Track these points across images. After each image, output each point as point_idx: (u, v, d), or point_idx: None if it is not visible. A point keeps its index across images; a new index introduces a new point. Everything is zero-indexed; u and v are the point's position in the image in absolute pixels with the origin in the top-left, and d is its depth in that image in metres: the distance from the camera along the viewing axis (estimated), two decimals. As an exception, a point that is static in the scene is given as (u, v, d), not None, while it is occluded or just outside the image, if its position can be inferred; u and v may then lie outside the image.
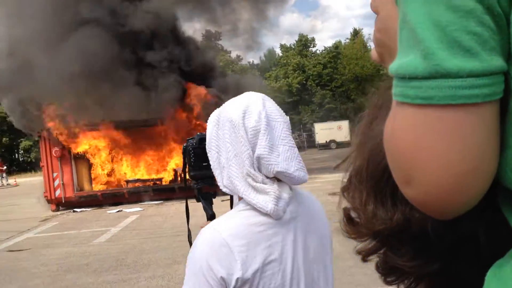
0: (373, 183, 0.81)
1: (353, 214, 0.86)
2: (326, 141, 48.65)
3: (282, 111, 1.57)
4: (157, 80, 17.45)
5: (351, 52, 55.10)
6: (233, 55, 59.54)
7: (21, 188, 31.93)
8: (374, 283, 6.68)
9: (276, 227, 1.48)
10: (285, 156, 1.47)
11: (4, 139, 49.45)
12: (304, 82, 56.24)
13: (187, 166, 2.20)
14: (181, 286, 1.49)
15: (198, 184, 2.21)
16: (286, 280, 1.46)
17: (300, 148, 51.06)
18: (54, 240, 11.82)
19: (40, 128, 17.65)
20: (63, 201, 17.32)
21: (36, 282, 7.88)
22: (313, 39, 59.62)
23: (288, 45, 60.78)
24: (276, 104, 1.57)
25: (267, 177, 1.47)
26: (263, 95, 1.58)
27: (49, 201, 17.47)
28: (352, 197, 0.87)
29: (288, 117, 1.59)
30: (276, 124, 1.50)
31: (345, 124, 49.32)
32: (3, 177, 37.32)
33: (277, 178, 1.49)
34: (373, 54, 0.78)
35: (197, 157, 2.13)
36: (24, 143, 49.49)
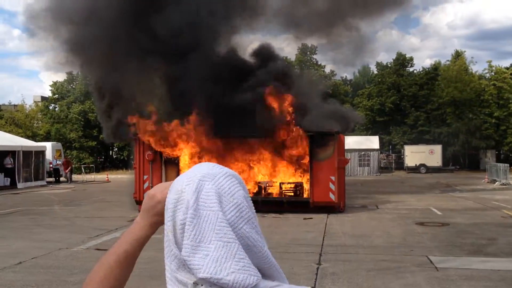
0: None
1: None
2: (416, 165, 47.23)
3: (236, 191, 1.20)
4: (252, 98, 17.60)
5: (450, 74, 52.91)
6: (327, 69, 59.17)
7: (112, 185, 33.35)
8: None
9: None
10: (216, 255, 1.11)
11: (101, 136, 51.93)
12: (398, 102, 54.71)
13: None
14: None
15: None
16: None
17: (388, 169, 49.78)
18: (139, 242, 12.07)
19: (135, 134, 18.26)
20: (151, 204, 17.74)
21: (120, 286, 8.00)
22: (411, 59, 57.91)
23: (384, 63, 59.45)
24: (229, 181, 1.21)
25: None
26: (213, 171, 1.22)
27: (138, 202, 17.99)
28: None
29: (240, 199, 1.20)
30: (210, 214, 1.14)
31: (438, 148, 47.54)
32: (66, 176, 36.55)
33: None
34: None
35: None
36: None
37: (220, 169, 1.24)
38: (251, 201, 1.25)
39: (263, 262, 1.21)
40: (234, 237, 1.14)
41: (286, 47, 60.80)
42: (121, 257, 1.33)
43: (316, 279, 8.48)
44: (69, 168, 36.66)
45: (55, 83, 56.06)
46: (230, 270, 1.10)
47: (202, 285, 1.13)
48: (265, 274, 1.22)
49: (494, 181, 31.34)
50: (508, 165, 32.17)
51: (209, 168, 1.23)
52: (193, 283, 1.14)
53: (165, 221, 1.21)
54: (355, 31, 23.79)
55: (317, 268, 9.29)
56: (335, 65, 56.81)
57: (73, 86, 56.33)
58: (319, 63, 59.49)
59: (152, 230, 1.34)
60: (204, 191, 1.17)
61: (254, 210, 1.25)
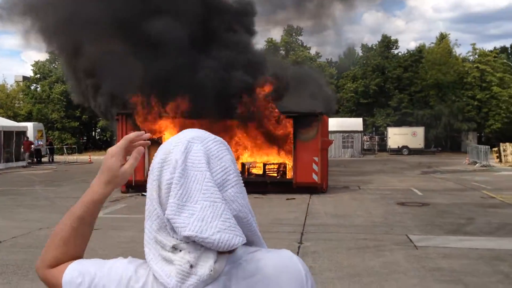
0: None
1: None
2: (398, 147, 47.56)
3: (224, 155, 1.20)
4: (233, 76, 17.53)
5: (434, 57, 53.14)
6: (313, 51, 59.11)
7: (95, 166, 33.14)
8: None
9: None
10: (202, 215, 1.10)
11: (83, 116, 51.52)
12: (382, 84, 54.92)
13: None
14: None
15: None
16: None
17: (371, 151, 50.09)
18: (121, 222, 12.06)
19: (118, 112, 18.11)
20: (133, 184, 17.68)
21: (100, 265, 7.98)
22: (396, 41, 58.00)
23: (370, 45, 59.48)
24: (217, 145, 1.21)
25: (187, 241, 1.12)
26: (201, 134, 1.23)
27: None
28: None
29: (228, 163, 1.20)
30: (197, 174, 1.14)
31: (420, 130, 47.87)
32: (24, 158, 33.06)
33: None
34: None
35: None
36: (102, 122, 51.33)
37: (209, 134, 1.24)
38: (238, 168, 1.24)
39: (248, 229, 1.21)
40: (221, 197, 1.13)
41: (272, 29, 60.51)
42: (77, 221, 1.32)
43: (297, 257, 8.53)
44: (30, 150, 33.37)
45: (36, 63, 55.23)
46: (215, 229, 1.09)
47: (180, 250, 1.12)
48: (247, 241, 1.21)
49: (474, 163, 31.70)
50: (489, 147, 32.55)
51: (198, 132, 1.23)
52: (172, 246, 1.13)
53: (150, 181, 1.20)
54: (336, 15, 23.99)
55: (299, 247, 9.36)
56: (320, 47, 56.81)
57: (55, 66, 55.56)
58: (304, 44, 59.37)
59: (108, 189, 1.31)
60: (192, 152, 1.17)
61: (241, 177, 1.24)
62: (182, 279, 1.10)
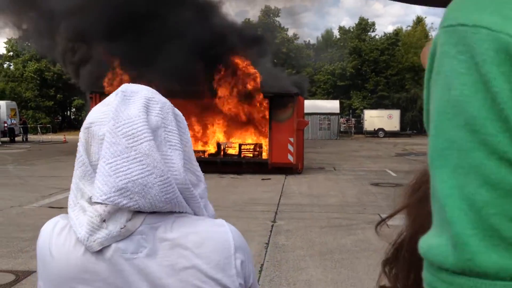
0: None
1: None
2: (374, 129, 48.04)
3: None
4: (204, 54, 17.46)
5: (411, 40, 53.54)
6: (290, 33, 58.98)
7: (69, 145, 32.74)
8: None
9: (91, 260, 1.09)
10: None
11: (58, 95, 50.77)
12: (359, 67, 55.17)
13: None
14: None
15: None
16: None
17: (347, 133, 50.49)
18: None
19: (92, 90, 17.90)
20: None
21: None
22: (373, 24, 58.21)
23: (347, 28, 59.57)
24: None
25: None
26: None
27: (94, 162, 17.74)
28: (394, 275, 0.70)
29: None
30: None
31: (396, 113, 48.37)
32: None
33: None
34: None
35: None
36: (77, 101, 50.73)
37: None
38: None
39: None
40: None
41: (251, 10, 60.19)
42: None
43: (270, 235, 8.59)
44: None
45: (10, 40, 54.02)
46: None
47: (98, 202, 1.07)
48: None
49: (448, 146, 32.22)
50: (463, 130, 33.06)
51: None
52: (90, 197, 1.08)
53: (82, 128, 1.17)
54: None
55: (272, 226, 9.41)
56: (298, 29, 56.79)
57: (29, 44, 54.43)
58: (282, 26, 59.18)
59: None
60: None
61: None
62: (92, 231, 1.07)
